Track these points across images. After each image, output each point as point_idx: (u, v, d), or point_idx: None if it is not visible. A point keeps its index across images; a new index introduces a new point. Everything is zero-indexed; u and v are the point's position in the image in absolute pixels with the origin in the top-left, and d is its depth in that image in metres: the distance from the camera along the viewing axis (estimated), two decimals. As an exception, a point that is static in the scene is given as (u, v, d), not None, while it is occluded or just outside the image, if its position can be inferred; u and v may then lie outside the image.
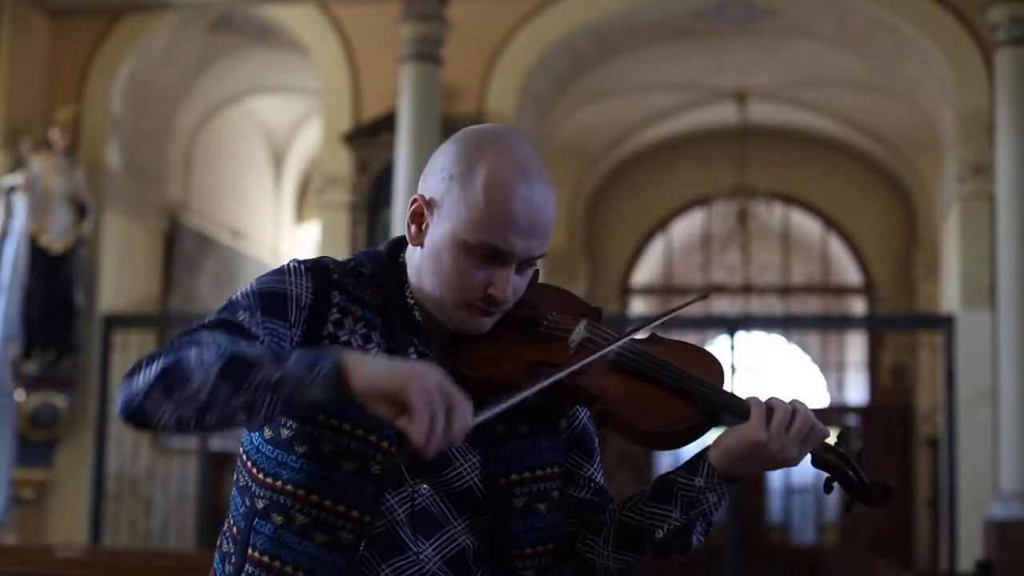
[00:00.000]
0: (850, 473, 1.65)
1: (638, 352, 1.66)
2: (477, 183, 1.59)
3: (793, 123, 12.32)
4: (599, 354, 1.62)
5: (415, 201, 1.66)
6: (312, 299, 1.62)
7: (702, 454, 1.66)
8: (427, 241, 1.64)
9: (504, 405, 1.53)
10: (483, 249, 1.59)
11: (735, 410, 1.63)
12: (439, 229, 1.62)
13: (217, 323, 1.57)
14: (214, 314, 1.60)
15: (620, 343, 1.64)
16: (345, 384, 1.43)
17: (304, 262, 1.66)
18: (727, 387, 1.67)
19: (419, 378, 1.42)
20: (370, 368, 1.43)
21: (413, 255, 1.68)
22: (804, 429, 1.59)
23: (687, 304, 1.73)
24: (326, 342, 1.60)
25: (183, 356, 1.47)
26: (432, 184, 1.65)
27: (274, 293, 1.61)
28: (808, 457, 1.65)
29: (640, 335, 1.70)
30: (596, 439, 1.79)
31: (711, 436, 1.69)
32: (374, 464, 1.58)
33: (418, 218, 1.65)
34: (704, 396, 1.63)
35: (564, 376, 1.59)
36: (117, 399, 1.50)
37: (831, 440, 1.66)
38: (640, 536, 1.67)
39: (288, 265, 1.66)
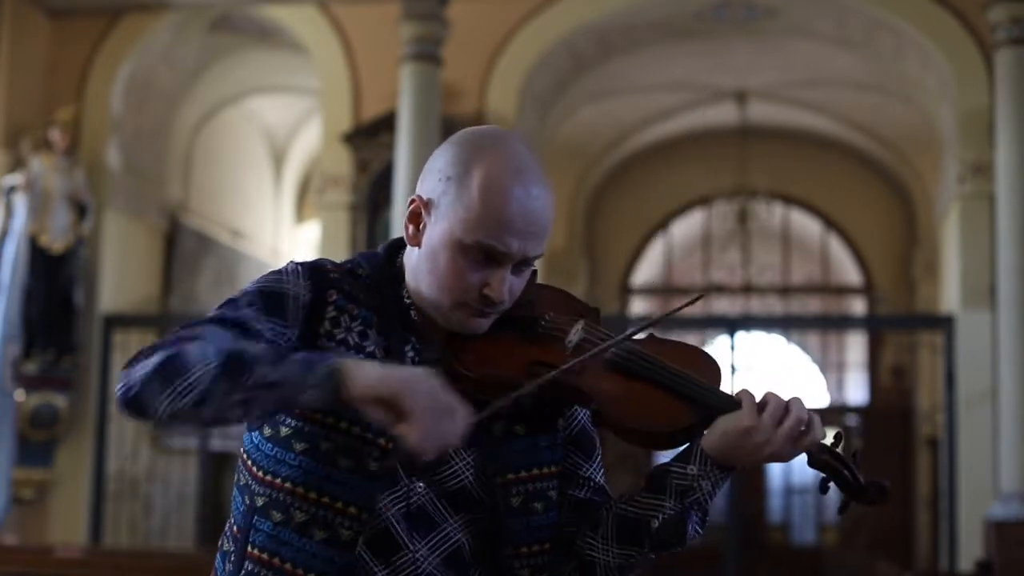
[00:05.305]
0: (846, 473, 1.64)
1: (636, 352, 1.66)
2: (473, 184, 1.59)
3: (793, 123, 12.31)
4: (592, 352, 1.63)
5: (413, 202, 1.67)
6: (310, 298, 1.63)
7: (696, 442, 1.66)
8: (424, 241, 1.65)
9: (498, 404, 1.55)
10: (479, 250, 1.60)
11: (730, 412, 1.62)
12: (436, 229, 1.63)
13: (219, 319, 1.58)
14: (216, 309, 1.62)
15: (614, 342, 1.65)
16: (342, 389, 1.45)
17: (302, 263, 1.68)
18: (724, 388, 1.66)
19: (416, 383, 1.45)
20: (367, 374, 1.46)
21: (411, 256, 1.69)
22: (797, 428, 1.59)
23: (684, 306, 1.72)
24: (323, 340, 1.62)
25: (184, 349, 1.48)
26: (430, 185, 1.65)
27: (273, 292, 1.63)
28: (805, 457, 1.65)
29: (638, 336, 1.69)
30: (597, 439, 1.78)
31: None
32: (372, 461, 1.59)
33: (416, 219, 1.66)
34: (700, 397, 1.63)
35: (559, 375, 1.60)
36: (116, 387, 1.52)
37: (827, 441, 1.65)
38: (637, 528, 1.66)
39: (286, 266, 1.67)
